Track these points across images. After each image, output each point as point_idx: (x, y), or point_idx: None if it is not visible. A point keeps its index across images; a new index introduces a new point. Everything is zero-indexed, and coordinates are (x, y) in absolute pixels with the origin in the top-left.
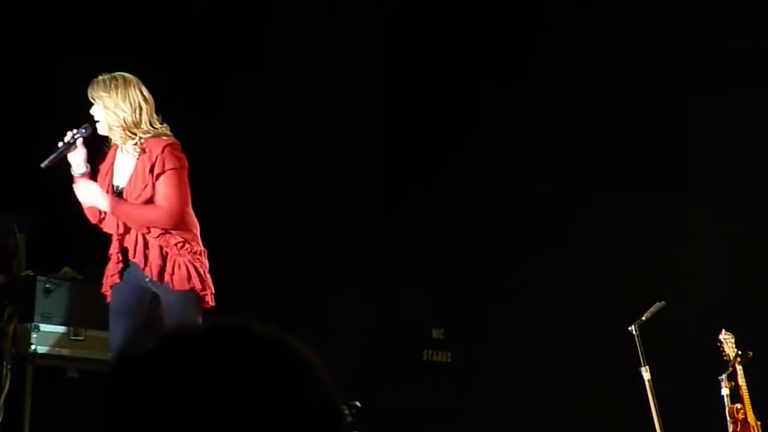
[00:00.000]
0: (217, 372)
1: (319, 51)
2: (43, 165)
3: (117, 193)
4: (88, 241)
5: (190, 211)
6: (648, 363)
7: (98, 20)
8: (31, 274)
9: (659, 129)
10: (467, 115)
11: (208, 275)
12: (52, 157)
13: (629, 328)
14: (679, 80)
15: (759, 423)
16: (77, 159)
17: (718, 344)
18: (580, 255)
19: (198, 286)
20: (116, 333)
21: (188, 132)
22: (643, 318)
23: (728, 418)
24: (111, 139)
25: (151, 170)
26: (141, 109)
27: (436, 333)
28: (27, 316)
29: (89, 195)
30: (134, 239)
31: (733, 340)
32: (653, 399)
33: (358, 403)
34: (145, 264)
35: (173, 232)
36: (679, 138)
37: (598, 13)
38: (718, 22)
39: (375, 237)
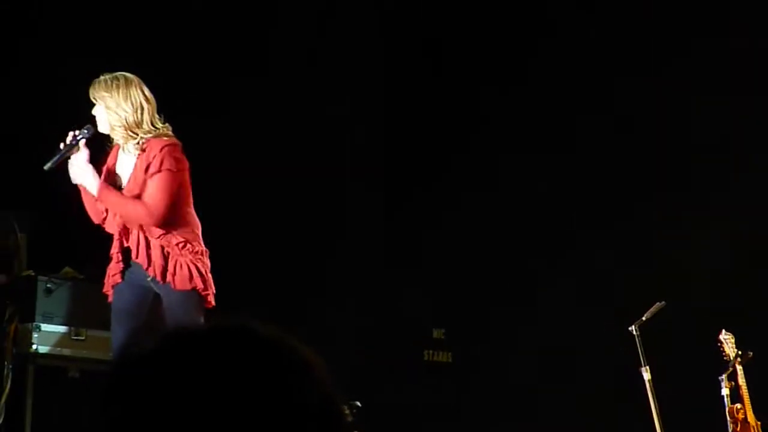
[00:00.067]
0: (218, 372)
1: (319, 51)
2: (46, 167)
3: None
4: (89, 241)
5: (192, 211)
6: (648, 363)
7: (98, 20)
8: (32, 274)
9: (659, 129)
10: (467, 114)
11: (209, 275)
12: (54, 158)
13: (629, 328)
14: (679, 80)
15: (759, 423)
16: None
17: (718, 344)
18: (580, 255)
19: (200, 286)
20: (118, 333)
21: (188, 132)
22: (644, 318)
23: (728, 418)
24: (113, 139)
25: (147, 169)
26: (142, 108)
27: (436, 333)
28: (28, 316)
29: (81, 174)
30: (136, 239)
31: (733, 340)
32: (653, 399)
33: (358, 403)
34: (149, 264)
35: (174, 232)
36: (679, 138)
37: (598, 13)
38: (718, 22)
39: (375, 237)
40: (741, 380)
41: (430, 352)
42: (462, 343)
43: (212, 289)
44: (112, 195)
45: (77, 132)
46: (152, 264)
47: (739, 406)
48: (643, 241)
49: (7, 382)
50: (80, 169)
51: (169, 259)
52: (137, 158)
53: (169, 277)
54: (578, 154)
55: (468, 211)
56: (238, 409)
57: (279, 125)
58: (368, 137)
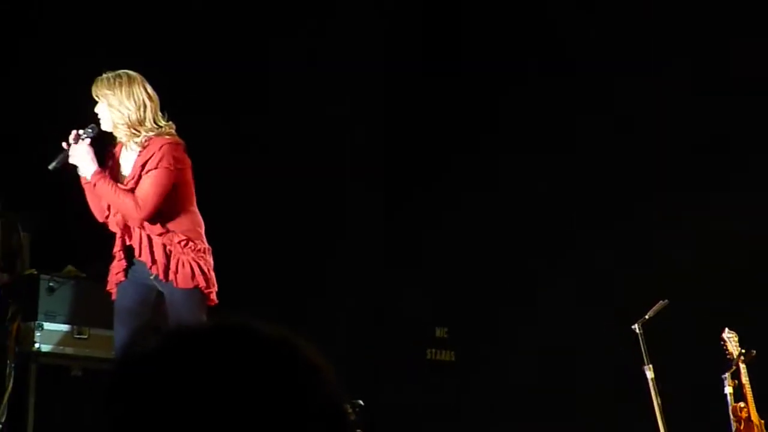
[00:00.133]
0: (222, 371)
1: (319, 51)
2: (51, 167)
3: None
4: (91, 240)
5: (194, 209)
6: (651, 362)
7: (98, 20)
8: (35, 272)
9: (659, 129)
10: (467, 115)
11: (212, 273)
12: (59, 158)
13: (633, 327)
14: (679, 80)
15: (762, 421)
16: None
17: (722, 343)
18: (580, 254)
19: (202, 284)
20: (120, 331)
21: (188, 132)
22: (647, 317)
23: (731, 416)
24: (117, 137)
25: (144, 165)
26: (145, 106)
27: (439, 332)
28: (31, 315)
29: (81, 158)
30: (138, 237)
31: (736, 339)
32: (657, 398)
33: (361, 402)
34: (152, 262)
35: (176, 230)
36: (679, 138)
37: (598, 13)
38: (718, 22)
39: (375, 237)
40: (744, 379)
41: (433, 350)
42: (465, 342)
43: (215, 287)
44: (105, 184)
45: (81, 131)
46: (155, 262)
47: (742, 404)
48: (644, 241)
49: (9, 381)
50: (81, 154)
51: (171, 258)
52: (138, 156)
53: (171, 276)
54: (578, 154)
55: (468, 211)
56: (242, 408)
57: (279, 125)
58: (368, 137)
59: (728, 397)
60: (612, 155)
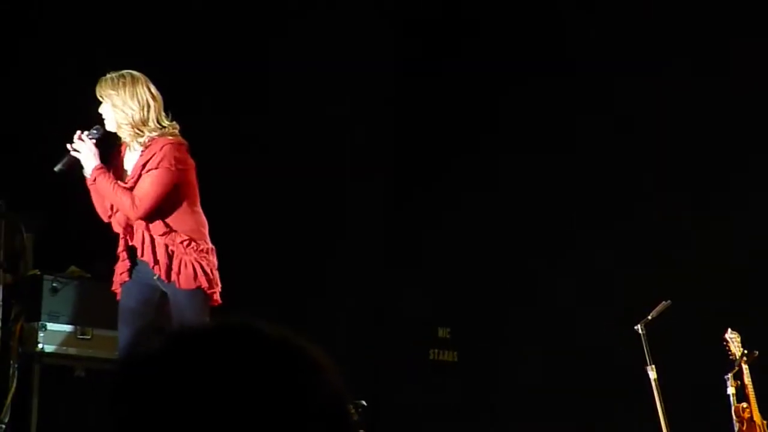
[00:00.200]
0: (225, 371)
1: (319, 50)
2: (56, 169)
3: None
4: (94, 240)
5: (198, 209)
6: (654, 362)
7: (98, 20)
8: (38, 273)
9: (659, 129)
10: (467, 114)
11: (215, 273)
12: (64, 161)
13: (635, 328)
14: (679, 80)
15: (764, 422)
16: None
17: (724, 343)
18: (582, 254)
19: (204, 284)
20: (124, 332)
21: (187, 132)
22: (649, 317)
23: (734, 417)
24: (121, 137)
25: (144, 165)
26: (149, 106)
27: (442, 332)
28: (34, 315)
29: (86, 155)
30: (141, 238)
31: (739, 339)
32: (659, 398)
33: (364, 402)
34: (155, 262)
35: (178, 230)
36: (679, 138)
37: (598, 13)
38: (717, 22)
39: (376, 237)
40: (747, 379)
41: (436, 351)
42: (468, 342)
43: (218, 287)
44: (105, 180)
45: (86, 132)
46: (157, 262)
47: (744, 405)
48: (646, 241)
49: (13, 382)
50: (87, 151)
51: (174, 258)
52: (140, 155)
53: (173, 276)
54: (578, 154)
55: (468, 211)
56: (245, 408)
57: (279, 125)
58: (368, 137)
59: (731, 398)
60: (612, 155)
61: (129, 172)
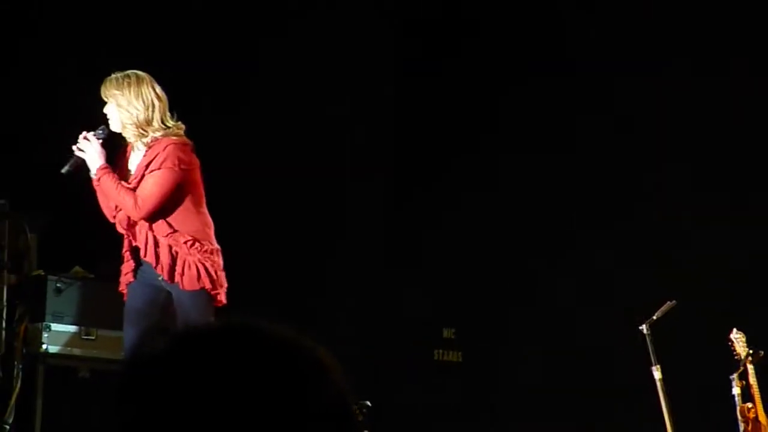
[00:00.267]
0: (229, 372)
1: (319, 50)
2: (63, 170)
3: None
4: (98, 241)
5: (203, 209)
6: (659, 362)
7: (98, 20)
8: (42, 273)
9: (659, 129)
10: (467, 114)
11: (220, 273)
12: (70, 163)
13: (640, 328)
14: (679, 80)
15: None
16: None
17: (729, 343)
18: (582, 254)
19: (208, 285)
20: (129, 332)
21: (187, 132)
22: (654, 317)
23: (739, 417)
24: (126, 137)
25: (148, 165)
26: (154, 107)
27: (447, 333)
28: (38, 316)
29: (91, 155)
30: (144, 238)
31: (744, 339)
32: (665, 398)
33: (368, 403)
34: (157, 263)
35: (182, 230)
36: (678, 138)
37: (598, 13)
38: (717, 22)
39: (376, 237)
40: (752, 379)
41: (441, 351)
42: (472, 342)
43: (223, 288)
44: (108, 179)
45: (92, 133)
46: (160, 263)
47: (750, 405)
48: (647, 241)
49: (17, 382)
50: (93, 150)
51: (177, 259)
52: (144, 155)
53: (177, 277)
54: (578, 154)
55: (468, 211)
56: (249, 408)
57: (279, 125)
58: (368, 137)
59: (736, 398)
60: (612, 155)
61: (133, 173)
